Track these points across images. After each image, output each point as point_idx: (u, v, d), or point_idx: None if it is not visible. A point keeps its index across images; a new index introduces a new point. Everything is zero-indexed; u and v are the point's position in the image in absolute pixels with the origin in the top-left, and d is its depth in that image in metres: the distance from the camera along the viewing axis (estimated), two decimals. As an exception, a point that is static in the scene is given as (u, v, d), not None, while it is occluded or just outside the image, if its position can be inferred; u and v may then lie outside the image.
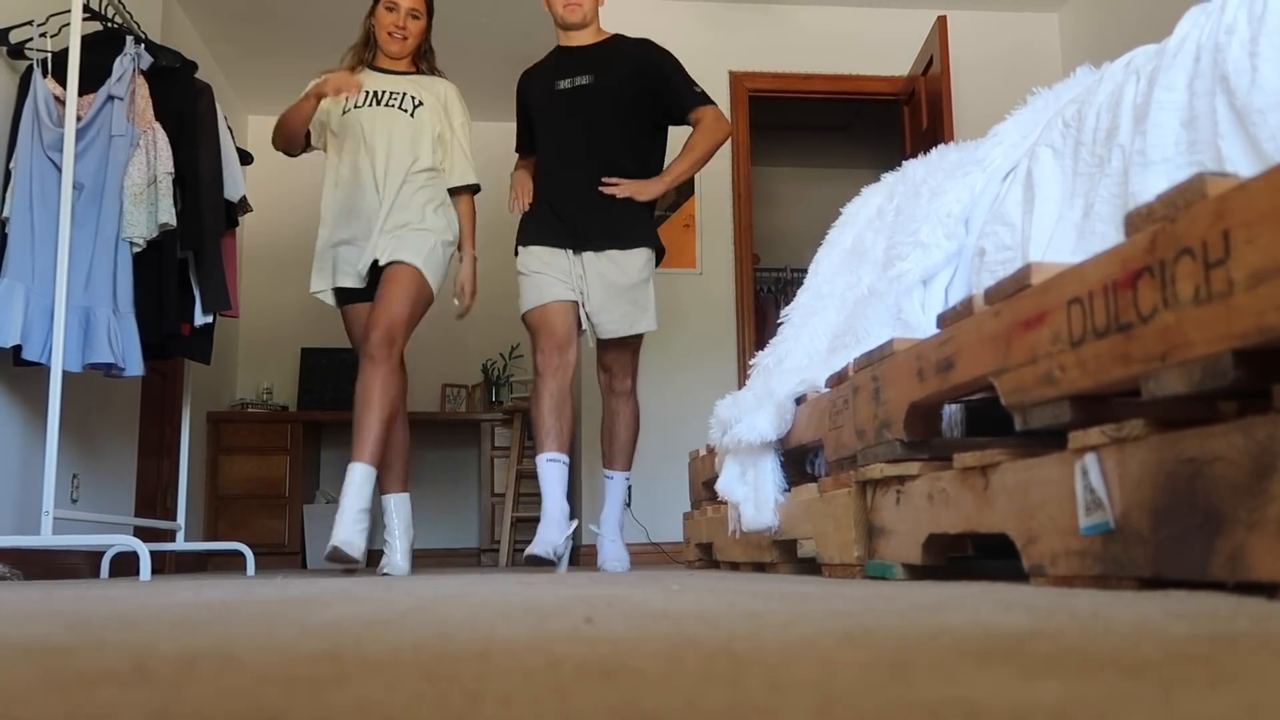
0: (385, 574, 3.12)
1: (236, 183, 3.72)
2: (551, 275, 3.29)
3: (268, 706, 0.37)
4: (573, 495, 5.13)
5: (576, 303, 3.28)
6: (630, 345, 3.38)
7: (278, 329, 5.88)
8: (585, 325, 3.30)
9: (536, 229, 3.32)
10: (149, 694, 0.40)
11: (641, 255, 3.29)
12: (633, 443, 3.43)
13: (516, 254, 3.33)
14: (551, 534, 3.09)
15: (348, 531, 2.92)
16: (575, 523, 3.22)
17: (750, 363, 2.42)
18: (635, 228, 3.31)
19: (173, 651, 0.55)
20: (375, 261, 3.17)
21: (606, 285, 3.26)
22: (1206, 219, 0.81)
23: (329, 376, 5.82)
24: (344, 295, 3.32)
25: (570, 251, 3.29)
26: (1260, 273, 0.75)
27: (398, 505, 3.46)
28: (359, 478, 3.01)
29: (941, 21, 4.67)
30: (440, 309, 6.32)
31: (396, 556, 3.25)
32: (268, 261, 5.92)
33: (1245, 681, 0.38)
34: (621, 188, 3.24)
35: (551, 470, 3.24)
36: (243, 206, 3.80)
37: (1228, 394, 0.86)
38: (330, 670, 0.46)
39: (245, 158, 4.02)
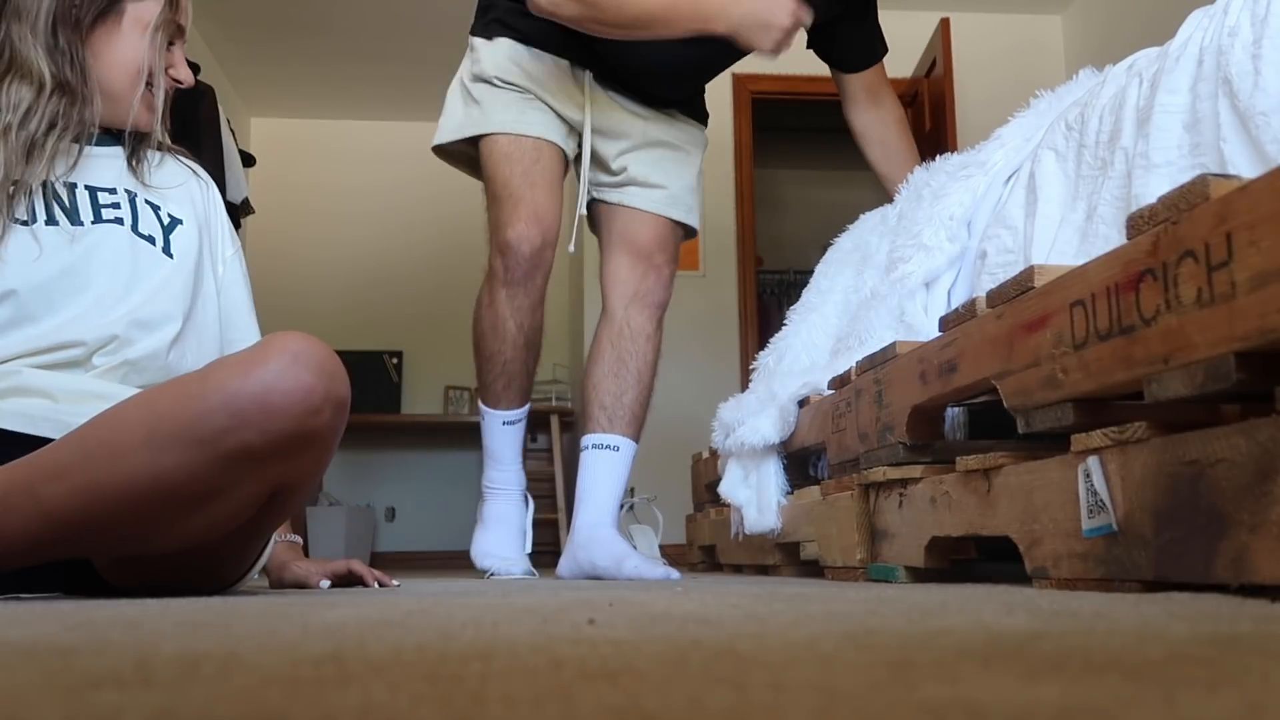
0: None
1: (239, 185, 3.72)
2: (547, 101, 2.12)
3: (271, 708, 0.37)
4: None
5: (566, 156, 2.16)
6: (678, 234, 2.26)
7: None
8: (584, 188, 2.18)
9: (531, 23, 2.08)
10: (152, 695, 0.40)
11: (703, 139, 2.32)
12: (650, 393, 2.22)
13: (472, 48, 2.18)
14: (512, 547, 2.17)
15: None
16: (532, 507, 2.26)
17: (752, 365, 2.42)
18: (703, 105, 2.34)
19: (175, 653, 0.55)
20: None
21: (661, 143, 2.22)
22: (1209, 221, 0.81)
23: (332, 379, 5.81)
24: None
25: (589, 76, 2.15)
26: (1263, 275, 0.75)
27: None
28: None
29: (944, 24, 4.68)
30: (445, 300, 6.34)
31: None
32: (269, 263, 5.94)
33: (1247, 683, 0.38)
34: None
35: (512, 433, 2.21)
36: (245, 209, 3.81)
37: (1230, 396, 0.86)
38: (333, 671, 0.46)
39: (248, 160, 4.03)
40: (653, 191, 2.22)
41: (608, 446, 2.14)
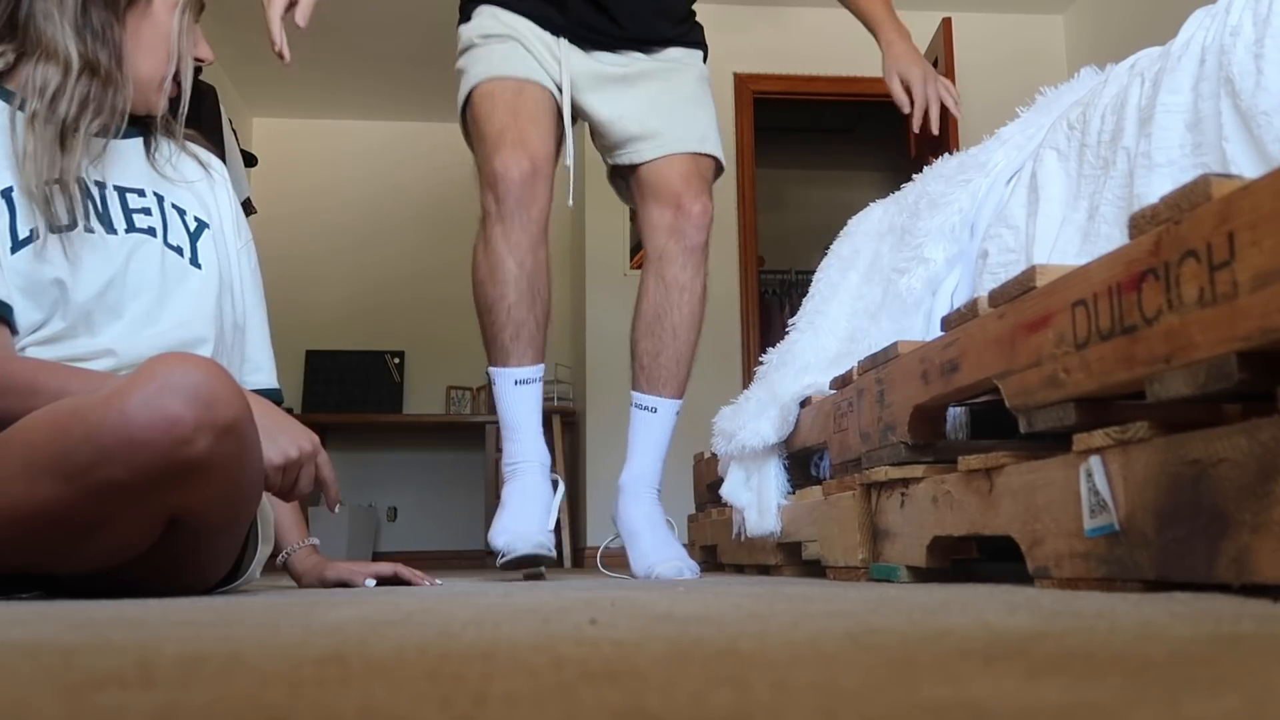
0: None
1: (241, 185, 3.72)
2: (527, 48, 2.08)
3: (273, 708, 0.37)
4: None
5: (555, 97, 2.09)
6: (699, 166, 2.15)
7: (282, 331, 5.87)
8: (571, 139, 2.11)
9: None
10: (154, 695, 0.40)
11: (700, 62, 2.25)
12: (695, 346, 2.17)
13: (458, 36, 2.18)
14: (531, 523, 1.95)
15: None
16: (561, 491, 2.08)
17: (756, 365, 2.42)
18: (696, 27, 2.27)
19: (178, 652, 0.55)
20: None
21: (651, 94, 2.16)
22: (1211, 221, 0.81)
23: (333, 379, 5.84)
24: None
25: (564, 42, 2.12)
26: (1264, 275, 0.75)
27: None
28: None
29: (946, 23, 4.67)
30: (447, 300, 6.33)
31: None
32: (272, 263, 5.95)
33: (1249, 682, 0.38)
34: None
35: (528, 396, 2.08)
36: (247, 209, 3.81)
37: (1232, 396, 0.86)
38: (335, 671, 0.46)
39: (250, 160, 4.03)
40: (655, 139, 2.13)
41: (646, 408, 2.15)
